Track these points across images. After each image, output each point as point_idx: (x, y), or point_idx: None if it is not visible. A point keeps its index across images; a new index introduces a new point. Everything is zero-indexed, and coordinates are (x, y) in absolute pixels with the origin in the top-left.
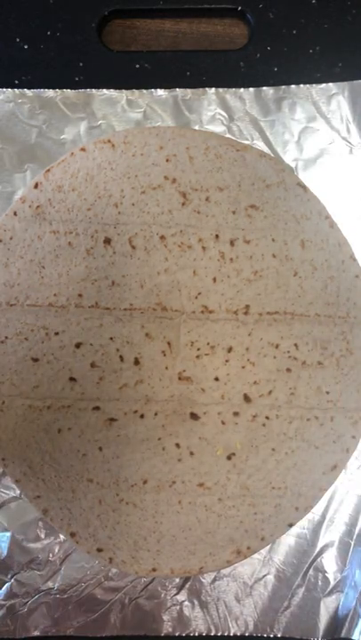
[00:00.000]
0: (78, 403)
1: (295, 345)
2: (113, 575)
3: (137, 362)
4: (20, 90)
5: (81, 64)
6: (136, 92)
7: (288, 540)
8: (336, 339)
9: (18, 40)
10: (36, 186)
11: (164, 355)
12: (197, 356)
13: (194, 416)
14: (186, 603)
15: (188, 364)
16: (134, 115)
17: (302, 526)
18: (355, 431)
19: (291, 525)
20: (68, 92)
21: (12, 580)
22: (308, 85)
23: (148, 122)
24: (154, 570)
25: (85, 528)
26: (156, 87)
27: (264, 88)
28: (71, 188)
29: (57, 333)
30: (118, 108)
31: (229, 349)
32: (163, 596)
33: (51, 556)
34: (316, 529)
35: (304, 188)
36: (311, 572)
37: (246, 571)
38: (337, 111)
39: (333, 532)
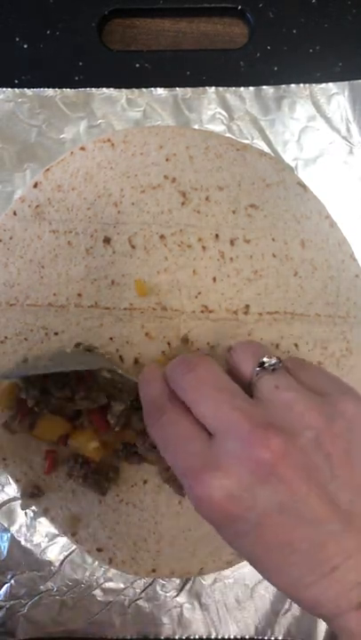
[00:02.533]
0: None
1: (295, 345)
2: (113, 576)
3: (137, 362)
4: (20, 89)
5: (81, 64)
6: (136, 91)
7: None
8: (336, 338)
9: (18, 40)
10: (35, 185)
11: (164, 355)
12: None
13: None
14: (186, 605)
15: None
16: (134, 114)
17: None
18: None
19: None
20: (68, 91)
21: (12, 581)
22: (308, 85)
23: (148, 121)
24: (154, 571)
25: (85, 528)
26: (155, 87)
27: (264, 87)
28: (71, 187)
29: (57, 333)
30: (118, 107)
31: (229, 349)
32: (163, 597)
33: (51, 556)
34: None
35: (304, 187)
36: None
37: (247, 572)
38: (337, 111)
39: None
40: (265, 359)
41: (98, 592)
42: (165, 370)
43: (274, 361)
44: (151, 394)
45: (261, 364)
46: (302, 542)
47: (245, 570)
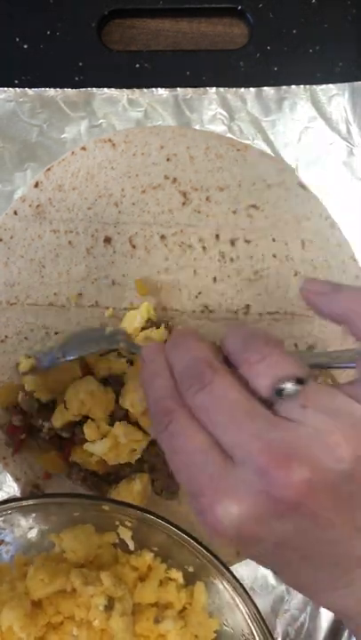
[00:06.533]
0: None
1: (295, 345)
2: None
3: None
4: (21, 89)
5: (81, 64)
6: (137, 91)
7: None
8: (336, 339)
9: (18, 40)
10: (36, 185)
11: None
12: None
13: None
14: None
15: None
16: (135, 114)
17: None
18: None
19: None
20: (69, 90)
21: None
22: (308, 86)
23: (149, 121)
24: None
25: None
26: (155, 87)
27: (265, 88)
28: (72, 187)
29: (57, 333)
30: (119, 107)
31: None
32: None
33: None
34: None
35: (305, 188)
36: None
37: (246, 572)
38: (337, 112)
39: None
40: (285, 386)
41: None
42: (172, 360)
43: (294, 388)
44: (157, 392)
45: (279, 391)
46: (322, 558)
47: (244, 570)
